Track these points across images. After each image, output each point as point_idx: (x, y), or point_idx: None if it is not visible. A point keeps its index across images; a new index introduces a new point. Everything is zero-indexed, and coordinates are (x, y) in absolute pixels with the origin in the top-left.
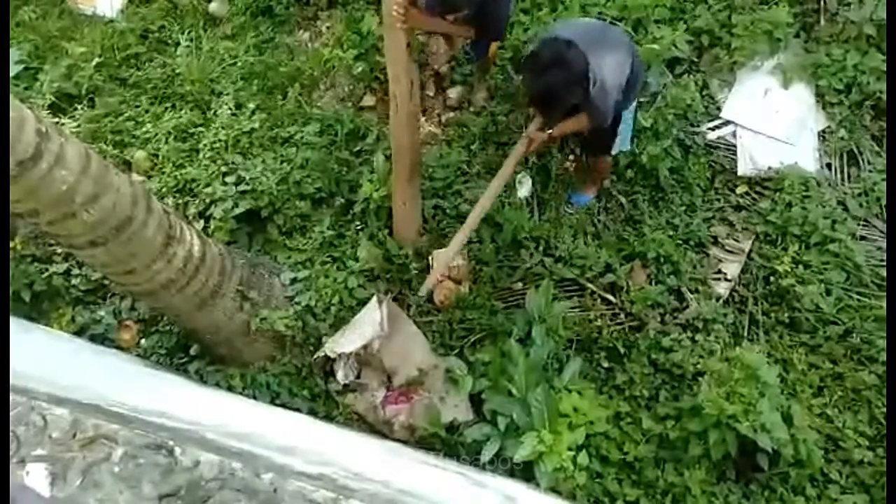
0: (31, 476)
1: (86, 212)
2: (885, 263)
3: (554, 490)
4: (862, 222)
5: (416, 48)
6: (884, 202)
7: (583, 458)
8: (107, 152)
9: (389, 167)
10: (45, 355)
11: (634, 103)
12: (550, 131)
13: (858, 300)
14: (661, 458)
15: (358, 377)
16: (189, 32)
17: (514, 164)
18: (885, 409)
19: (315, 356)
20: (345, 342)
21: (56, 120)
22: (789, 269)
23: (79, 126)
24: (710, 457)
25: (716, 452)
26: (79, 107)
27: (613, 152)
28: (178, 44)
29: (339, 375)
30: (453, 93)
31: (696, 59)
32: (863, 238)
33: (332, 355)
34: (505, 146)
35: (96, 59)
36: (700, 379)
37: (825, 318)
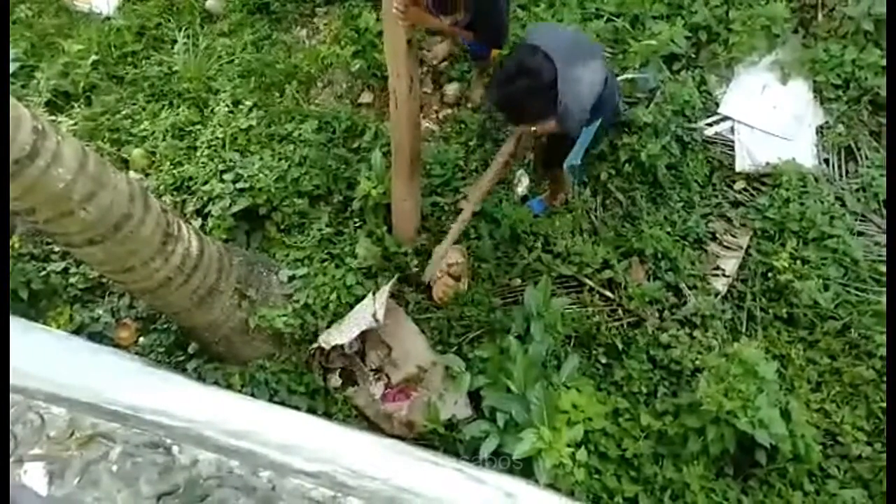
0: (29, 475)
1: (83, 210)
2: (883, 258)
3: (553, 486)
4: (860, 218)
5: (416, 44)
6: (882, 197)
7: (581, 454)
8: (104, 150)
9: (387, 164)
10: (43, 354)
11: (598, 122)
12: (535, 128)
13: (856, 295)
14: (659, 454)
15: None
16: (186, 30)
17: (503, 161)
18: (883, 404)
19: (310, 348)
20: (338, 335)
21: (53, 118)
22: (787, 265)
23: (76, 124)
24: (708, 452)
25: (714, 448)
26: (76, 105)
27: (566, 165)
28: (174, 41)
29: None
30: (451, 89)
31: (693, 55)
32: (860, 233)
33: (326, 347)
34: (503, 143)
35: (93, 57)
36: (698, 375)
37: (823, 313)
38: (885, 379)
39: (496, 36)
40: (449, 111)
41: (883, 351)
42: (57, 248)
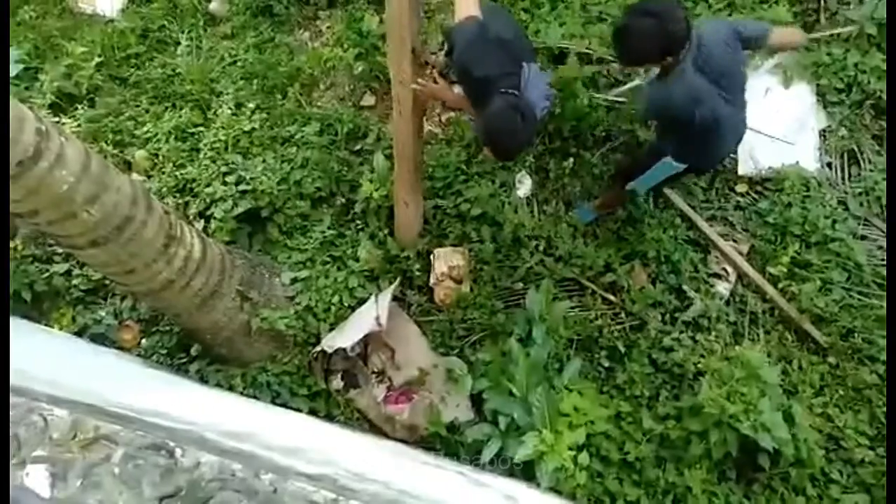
0: (32, 477)
1: (86, 212)
2: (885, 263)
3: (554, 490)
4: (862, 221)
5: (420, 53)
6: (884, 201)
7: (583, 457)
8: (107, 152)
9: (389, 167)
10: (46, 356)
11: (684, 166)
12: None
13: (859, 299)
14: (661, 458)
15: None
16: (189, 32)
17: None
18: (885, 409)
19: (312, 352)
20: (340, 338)
21: (56, 119)
22: (789, 269)
23: (79, 126)
24: (710, 456)
25: (717, 452)
26: (79, 106)
27: (628, 186)
28: (178, 43)
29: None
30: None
31: None
32: (863, 237)
33: (329, 350)
34: None
35: (96, 59)
36: (701, 378)
37: (826, 317)
38: (887, 383)
39: None
40: (451, 114)
41: (885, 355)
42: (60, 250)
